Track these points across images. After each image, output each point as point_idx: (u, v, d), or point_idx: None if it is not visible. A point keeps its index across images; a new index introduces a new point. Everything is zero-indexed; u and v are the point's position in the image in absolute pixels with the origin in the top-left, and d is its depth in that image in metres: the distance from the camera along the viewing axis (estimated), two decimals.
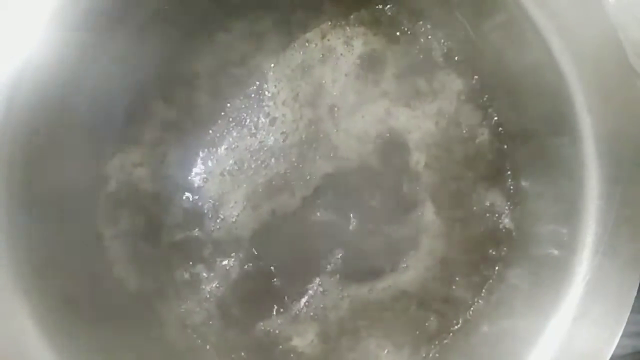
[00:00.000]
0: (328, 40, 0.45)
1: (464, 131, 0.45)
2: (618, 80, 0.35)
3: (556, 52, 0.35)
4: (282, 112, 0.45)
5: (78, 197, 0.42)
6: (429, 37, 0.45)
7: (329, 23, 0.45)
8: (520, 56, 0.39)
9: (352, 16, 0.45)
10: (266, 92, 0.45)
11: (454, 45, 0.45)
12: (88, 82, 0.40)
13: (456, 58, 0.45)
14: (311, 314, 0.44)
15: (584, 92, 0.35)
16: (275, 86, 0.45)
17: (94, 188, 0.44)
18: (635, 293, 0.33)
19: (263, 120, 0.45)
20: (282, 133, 0.45)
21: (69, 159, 0.41)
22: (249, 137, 0.45)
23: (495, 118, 0.44)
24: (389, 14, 0.45)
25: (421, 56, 0.45)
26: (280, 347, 0.44)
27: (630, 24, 0.34)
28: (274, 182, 0.44)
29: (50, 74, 0.36)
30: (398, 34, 0.45)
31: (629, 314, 0.33)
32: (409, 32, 0.45)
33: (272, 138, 0.45)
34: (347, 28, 0.45)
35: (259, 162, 0.44)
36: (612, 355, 0.34)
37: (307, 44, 0.45)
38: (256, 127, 0.45)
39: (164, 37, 0.44)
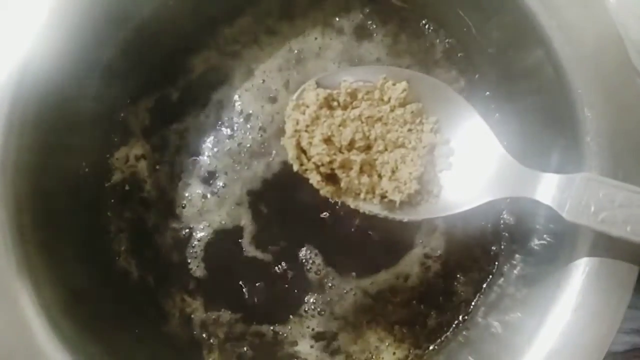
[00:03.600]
0: (326, 32, 0.45)
1: None
2: (619, 77, 0.35)
3: (557, 49, 0.35)
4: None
5: (83, 189, 0.43)
6: (431, 33, 0.45)
7: (329, 17, 0.45)
8: (522, 53, 0.39)
9: (353, 10, 0.45)
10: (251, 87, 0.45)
11: (456, 42, 0.45)
12: (90, 79, 0.40)
13: (458, 55, 0.45)
14: (318, 309, 0.44)
15: (584, 88, 0.35)
16: (264, 80, 0.45)
17: (99, 180, 0.44)
18: (633, 285, 0.34)
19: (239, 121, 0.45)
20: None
21: (73, 153, 0.42)
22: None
23: (497, 115, 0.44)
24: (392, 10, 0.45)
25: (422, 52, 0.45)
26: (285, 344, 0.44)
27: (631, 22, 0.34)
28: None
29: (53, 70, 0.36)
30: (400, 29, 0.45)
31: (627, 306, 0.33)
32: (410, 28, 0.45)
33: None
34: (348, 22, 0.45)
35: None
36: (612, 352, 0.34)
37: (305, 36, 0.45)
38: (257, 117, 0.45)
39: (166, 33, 0.44)
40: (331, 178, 0.37)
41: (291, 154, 0.37)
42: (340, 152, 0.37)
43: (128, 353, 0.40)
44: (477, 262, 0.45)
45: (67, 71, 0.38)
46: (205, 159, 0.45)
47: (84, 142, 0.42)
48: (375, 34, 0.45)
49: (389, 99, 0.37)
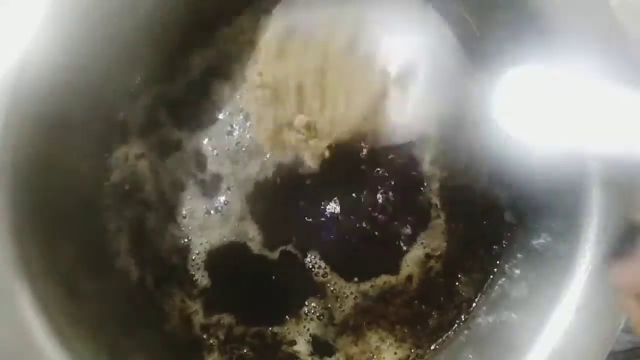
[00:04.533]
0: None
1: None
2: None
3: (559, 48, 0.35)
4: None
5: (82, 188, 0.42)
6: None
7: None
8: (524, 52, 0.39)
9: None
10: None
11: (458, 41, 0.45)
12: (88, 78, 0.40)
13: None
14: (318, 313, 0.44)
15: None
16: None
17: (98, 179, 0.44)
18: None
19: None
20: None
21: (72, 152, 0.41)
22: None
23: None
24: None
25: None
26: (285, 344, 0.44)
27: (634, 22, 0.34)
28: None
29: (51, 68, 0.36)
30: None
31: None
32: None
33: None
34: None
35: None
36: (612, 351, 0.34)
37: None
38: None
39: (165, 32, 0.44)
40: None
41: (261, 131, 0.43)
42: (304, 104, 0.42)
43: (127, 353, 0.40)
44: (479, 262, 0.45)
45: (66, 69, 0.37)
46: (204, 158, 0.45)
47: (83, 141, 0.42)
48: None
49: (342, 40, 0.42)
